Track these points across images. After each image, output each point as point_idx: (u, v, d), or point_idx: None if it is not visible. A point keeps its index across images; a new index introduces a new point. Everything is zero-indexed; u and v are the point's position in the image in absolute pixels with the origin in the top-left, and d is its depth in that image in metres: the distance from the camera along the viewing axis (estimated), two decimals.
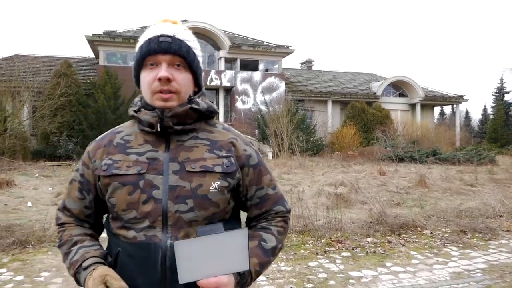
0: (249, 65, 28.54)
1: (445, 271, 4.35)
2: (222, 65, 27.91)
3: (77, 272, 1.09)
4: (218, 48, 28.07)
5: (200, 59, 1.22)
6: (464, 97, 33.30)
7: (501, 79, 40.21)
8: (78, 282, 1.11)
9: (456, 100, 33.38)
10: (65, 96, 21.23)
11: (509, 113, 39.35)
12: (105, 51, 25.87)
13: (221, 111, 27.92)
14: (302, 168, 15.38)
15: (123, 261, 1.11)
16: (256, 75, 27.92)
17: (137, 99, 1.22)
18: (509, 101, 39.99)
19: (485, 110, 49.68)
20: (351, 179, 11.22)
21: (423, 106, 32.48)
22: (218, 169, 1.12)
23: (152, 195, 1.08)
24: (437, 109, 37.32)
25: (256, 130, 26.05)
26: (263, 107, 26.71)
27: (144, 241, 1.08)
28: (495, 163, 19.15)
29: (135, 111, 1.18)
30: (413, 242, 5.39)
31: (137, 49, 1.16)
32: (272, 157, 21.88)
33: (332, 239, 5.36)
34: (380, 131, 23.77)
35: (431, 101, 32.70)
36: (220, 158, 1.14)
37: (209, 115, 1.21)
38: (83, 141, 19.51)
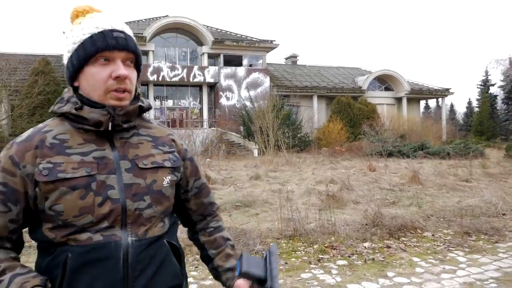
0: (233, 61, 27.90)
1: (454, 282, 3.85)
2: (205, 61, 27.21)
3: None
4: (200, 43, 27.35)
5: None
6: (450, 90, 33.25)
7: (486, 72, 40.29)
8: None
9: (442, 93, 33.32)
10: (43, 94, 20.32)
11: (494, 105, 39.50)
12: None
13: (205, 107, 27.25)
14: (289, 165, 14.86)
15: (75, 266, 1.00)
16: (240, 71, 27.29)
17: (67, 95, 1.11)
18: (494, 94, 40.12)
19: (469, 103, 49.87)
20: (341, 176, 10.73)
21: (409, 100, 32.32)
22: (168, 164, 1.13)
23: (108, 195, 1.03)
24: (422, 103, 37.22)
25: (241, 127, 25.46)
26: (248, 103, 26.10)
27: (101, 241, 1.01)
28: (485, 156, 18.94)
29: (76, 108, 1.06)
30: (414, 246, 4.88)
31: (79, 40, 1.05)
32: (258, 154, 21.32)
33: (325, 245, 4.82)
34: (367, 125, 23.44)
35: (417, 94, 32.56)
36: (166, 154, 1.15)
37: (145, 111, 1.18)
38: None
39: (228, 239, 1.27)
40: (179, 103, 27.63)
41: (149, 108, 1.18)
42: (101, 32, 1.05)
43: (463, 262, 4.38)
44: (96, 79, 1.05)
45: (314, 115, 27.85)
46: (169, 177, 1.13)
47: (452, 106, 56.32)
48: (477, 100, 41.50)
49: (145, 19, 28.44)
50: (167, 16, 26.69)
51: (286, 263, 4.34)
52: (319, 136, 25.39)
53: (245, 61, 28.57)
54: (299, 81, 30.31)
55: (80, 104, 1.06)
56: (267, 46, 28.30)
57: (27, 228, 1.11)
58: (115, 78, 1.04)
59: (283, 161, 15.73)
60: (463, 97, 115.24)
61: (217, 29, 28.97)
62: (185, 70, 26.03)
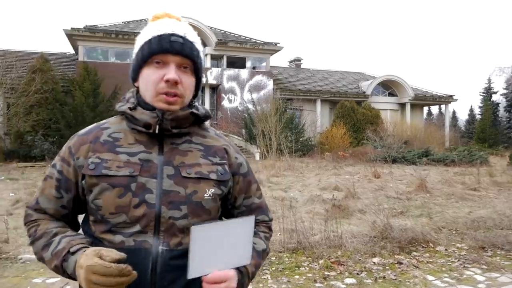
0: (236, 63, 27.59)
1: None
2: (208, 62, 26.90)
3: (64, 260, 1.00)
4: (204, 44, 26.59)
5: (203, 60, 1.15)
6: (454, 97, 32.91)
7: (489, 79, 40.07)
8: (63, 272, 1.02)
9: (446, 100, 32.96)
10: (40, 92, 20.00)
11: (497, 113, 39.20)
12: (84, 46, 24.63)
13: None
14: (292, 170, 14.54)
15: None
16: (243, 73, 26.99)
17: (129, 94, 1.16)
18: (497, 102, 39.82)
19: (471, 110, 49.57)
20: (346, 182, 10.41)
21: (412, 106, 31.98)
22: (213, 176, 1.10)
23: (144, 199, 1.03)
24: (424, 109, 36.86)
25: (243, 130, 25.13)
26: (250, 106, 25.78)
27: (133, 246, 1.02)
28: (489, 164, 18.58)
29: (130, 108, 1.10)
30: (427, 262, 4.55)
31: (141, 42, 1.10)
32: (260, 158, 21.00)
33: (331, 260, 4.50)
34: (370, 131, 23.11)
35: (421, 100, 32.20)
36: (214, 165, 1.13)
37: (203, 119, 1.18)
38: (59, 141, 18.34)
39: (255, 243, 1.15)
40: None
41: (206, 117, 1.17)
42: (160, 35, 1.07)
43: (482, 281, 4.06)
44: (148, 80, 1.08)
45: (317, 119, 27.51)
46: (213, 190, 1.09)
47: (454, 113, 55.96)
48: (480, 107, 41.23)
49: (148, 19, 28.18)
50: None
51: (289, 281, 4.02)
52: (322, 141, 25.05)
53: (248, 63, 28.27)
54: (302, 84, 29.99)
55: (135, 105, 1.10)
56: (271, 48, 28.01)
57: None
58: (166, 81, 1.05)
59: (285, 165, 15.40)
60: (465, 104, 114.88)
61: (220, 30, 28.71)
62: None
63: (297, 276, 4.10)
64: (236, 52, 27.30)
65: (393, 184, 10.14)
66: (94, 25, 25.14)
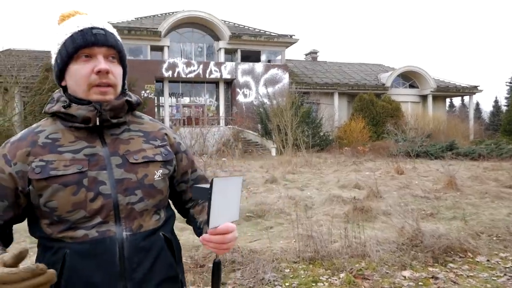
0: (251, 56, 26.99)
1: None
2: (222, 56, 26.38)
3: None
4: (217, 38, 26.52)
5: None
6: (478, 88, 31.58)
7: None
8: None
9: (470, 91, 31.68)
10: (54, 90, 19.82)
11: None
12: None
13: (221, 104, 26.45)
14: (309, 166, 13.88)
15: (73, 263, 1.03)
16: (258, 67, 26.36)
17: (57, 94, 1.14)
18: None
19: (496, 101, 47.81)
20: (366, 179, 9.72)
21: (434, 98, 30.83)
22: (159, 158, 1.15)
23: (99, 191, 1.05)
24: (446, 101, 35.57)
25: (259, 125, 24.54)
26: (266, 100, 25.15)
27: (97, 237, 1.04)
28: None
29: (64, 107, 1.09)
30: (467, 276, 3.88)
31: (62, 40, 1.09)
32: (276, 153, 20.38)
33: (354, 274, 3.87)
34: (391, 124, 22.22)
35: (443, 92, 31.02)
36: (157, 148, 1.17)
37: (135, 107, 1.19)
38: None
39: None
40: (195, 100, 26.87)
41: (138, 103, 1.19)
42: (81, 30, 1.08)
43: None
44: (79, 75, 1.08)
45: (335, 113, 26.72)
46: (161, 171, 1.14)
47: (477, 104, 54.12)
48: (506, 98, 39.60)
49: (160, 14, 27.79)
50: (182, 10, 25.94)
51: None
52: (340, 135, 24.29)
53: (263, 57, 27.62)
54: (319, 77, 29.18)
55: (68, 102, 1.10)
56: (286, 41, 27.28)
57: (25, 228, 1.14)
58: (96, 72, 1.06)
59: (302, 161, 14.74)
60: (488, 96, 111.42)
61: (234, 23, 28.09)
62: (201, 66, 25.24)
63: None
64: (250, 45, 26.68)
65: (418, 181, 9.39)
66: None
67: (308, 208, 6.62)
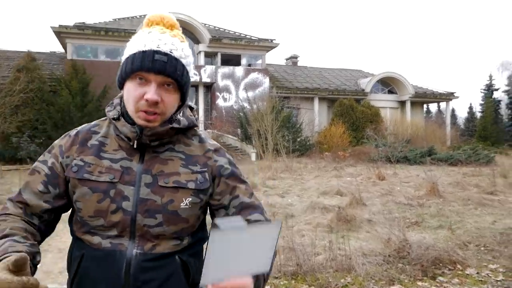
0: (231, 60, 26.68)
1: None
2: (201, 59, 25.99)
3: None
4: (197, 41, 26.13)
5: (191, 72, 1.16)
6: (455, 94, 32.12)
7: (490, 76, 39.39)
8: None
9: (447, 97, 32.20)
10: (26, 92, 19.02)
11: (498, 110, 38.45)
12: (73, 43, 23.67)
13: (201, 108, 26.03)
14: (290, 171, 13.66)
15: (87, 265, 1.08)
16: (238, 71, 26.09)
17: (116, 101, 1.17)
18: (498, 99, 39.09)
19: (471, 108, 48.83)
20: (348, 185, 9.54)
21: (412, 104, 31.17)
22: (191, 185, 1.11)
23: (121, 206, 1.06)
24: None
25: (239, 129, 24.23)
26: (246, 105, 24.87)
27: (109, 248, 1.07)
28: (496, 163, 17.74)
29: (114, 119, 1.13)
30: None
31: (129, 53, 1.09)
32: (256, 158, 20.10)
33: None
34: (370, 129, 22.25)
35: (421, 98, 31.40)
36: (194, 174, 1.13)
37: (184, 130, 1.17)
38: (47, 142, 17.44)
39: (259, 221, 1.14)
40: None
41: (190, 126, 1.17)
42: (144, 51, 1.06)
43: None
44: (130, 95, 1.08)
45: (315, 118, 26.66)
46: (190, 199, 1.10)
47: (453, 110, 55.23)
48: (481, 105, 40.47)
49: (139, 16, 27.24)
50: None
51: None
52: (320, 140, 24.21)
53: (243, 61, 27.36)
54: (299, 82, 29.12)
55: (118, 115, 1.13)
56: (267, 45, 27.13)
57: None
58: (146, 100, 1.05)
59: (282, 166, 14.52)
60: (462, 102, 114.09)
61: (214, 27, 27.78)
62: None
63: None
64: (231, 49, 26.41)
65: (400, 188, 9.27)
66: (82, 22, 24.18)
67: (289, 217, 6.36)
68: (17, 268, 0.83)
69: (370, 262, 4.17)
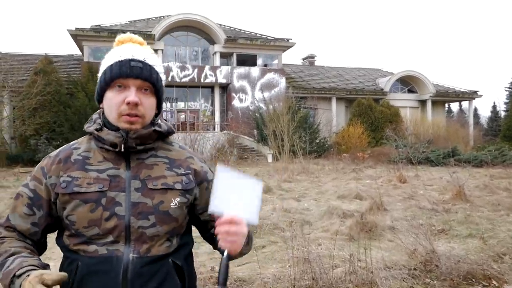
0: (247, 60, 26.42)
1: None
2: (217, 60, 25.80)
3: (11, 283, 1.03)
4: (212, 42, 25.96)
5: (163, 82, 1.24)
6: (478, 93, 31.10)
7: None
8: None
9: (470, 96, 31.20)
10: (43, 94, 19.15)
11: None
12: (90, 46, 23.80)
13: (216, 109, 25.83)
14: (306, 173, 13.26)
15: (83, 274, 1.09)
16: (254, 71, 25.79)
17: (95, 116, 1.22)
18: None
19: (494, 107, 47.39)
20: (368, 189, 9.10)
21: (433, 103, 30.33)
22: (178, 186, 1.17)
23: (114, 211, 1.10)
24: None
25: (255, 130, 23.93)
26: (262, 105, 24.54)
27: (106, 254, 1.09)
28: None
29: (97, 130, 1.17)
30: None
31: (104, 67, 1.16)
32: (272, 159, 19.74)
33: None
34: (389, 129, 21.63)
35: (443, 97, 30.52)
36: (179, 176, 1.19)
37: (167, 135, 1.25)
38: (64, 144, 17.35)
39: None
40: (190, 105, 26.22)
41: (169, 132, 1.25)
42: (121, 61, 1.13)
43: None
44: (112, 103, 1.14)
45: (332, 118, 26.16)
46: (178, 199, 1.16)
47: (476, 110, 53.73)
48: (505, 103, 39.16)
49: (155, 17, 27.24)
50: (177, 13, 25.39)
51: None
52: (338, 141, 23.70)
53: (259, 61, 27.04)
54: (316, 82, 28.64)
55: (101, 126, 1.17)
56: (283, 45, 26.75)
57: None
58: (127, 103, 1.12)
59: (299, 168, 14.13)
60: (485, 101, 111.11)
61: (230, 27, 27.57)
62: (196, 70, 24.65)
63: None
64: (246, 49, 26.13)
65: (423, 191, 8.77)
66: (98, 25, 24.28)
67: (305, 223, 5.99)
68: (53, 284, 0.91)
69: (394, 276, 3.77)
